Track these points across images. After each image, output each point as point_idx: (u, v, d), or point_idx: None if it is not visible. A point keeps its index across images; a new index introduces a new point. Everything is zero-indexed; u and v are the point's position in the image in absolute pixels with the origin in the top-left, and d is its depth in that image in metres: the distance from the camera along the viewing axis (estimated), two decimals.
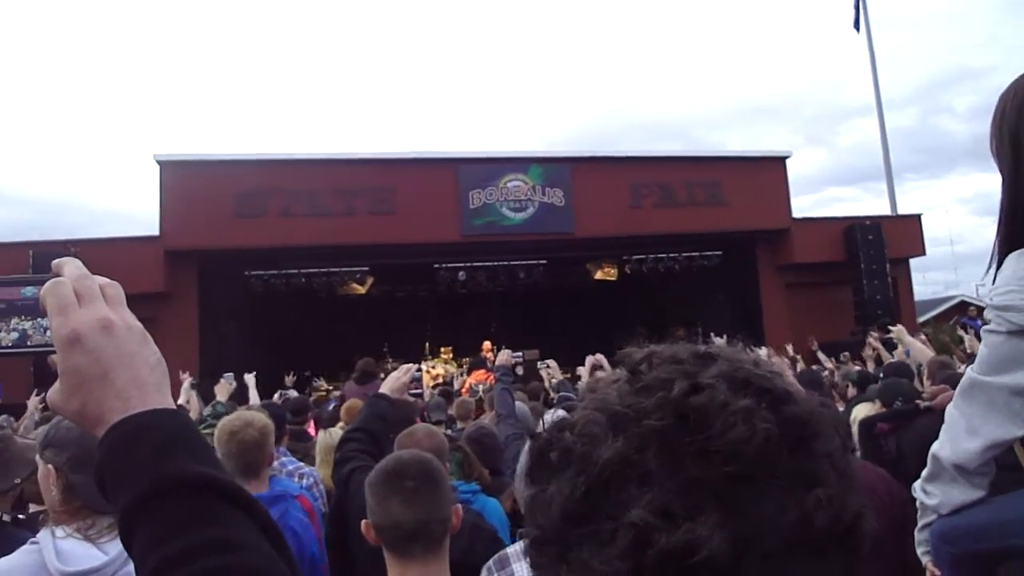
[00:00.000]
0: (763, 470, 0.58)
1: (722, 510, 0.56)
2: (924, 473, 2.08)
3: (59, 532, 2.15)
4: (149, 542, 0.81)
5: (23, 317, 1.06)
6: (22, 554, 2.13)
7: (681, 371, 0.65)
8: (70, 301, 0.91)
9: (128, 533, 0.84)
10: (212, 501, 0.84)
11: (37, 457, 2.37)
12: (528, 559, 0.69)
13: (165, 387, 0.94)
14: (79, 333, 0.89)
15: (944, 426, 2.03)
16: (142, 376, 0.91)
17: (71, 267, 0.95)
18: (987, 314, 1.86)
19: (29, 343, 1.06)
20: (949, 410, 2.00)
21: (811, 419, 0.63)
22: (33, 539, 2.16)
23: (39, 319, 1.04)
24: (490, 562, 2.43)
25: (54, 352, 0.91)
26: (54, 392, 0.91)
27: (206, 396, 7.45)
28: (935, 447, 2.03)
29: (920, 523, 2.21)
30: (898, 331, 6.97)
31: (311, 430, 6.96)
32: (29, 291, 1.05)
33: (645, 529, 0.56)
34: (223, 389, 6.89)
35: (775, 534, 0.57)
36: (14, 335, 1.06)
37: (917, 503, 2.23)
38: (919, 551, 2.23)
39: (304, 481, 4.88)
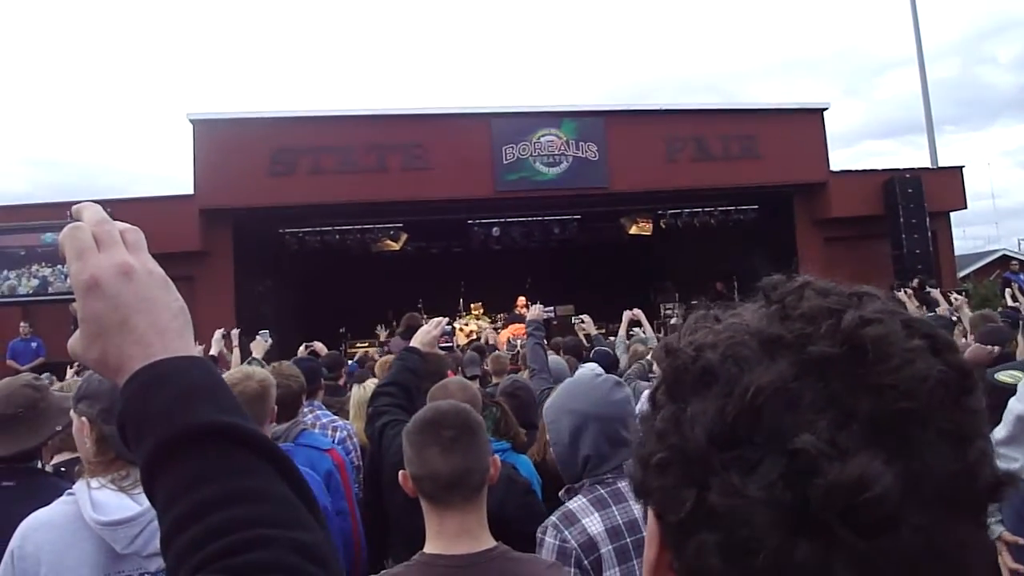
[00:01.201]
0: (932, 413, 0.55)
1: (889, 448, 0.53)
2: (999, 435, 1.95)
3: (94, 483, 2.19)
4: (171, 491, 0.80)
5: (43, 264, 1.03)
6: (60, 504, 2.18)
7: (842, 303, 0.61)
8: (89, 246, 0.88)
9: (150, 482, 0.82)
10: (235, 450, 0.82)
11: (71, 411, 2.40)
12: (632, 482, 0.66)
13: (188, 334, 0.92)
14: (98, 278, 0.87)
15: None
16: (163, 322, 0.88)
17: (90, 212, 0.93)
18: None
19: (50, 290, 1.03)
20: None
21: (972, 372, 0.59)
22: (70, 490, 2.19)
23: (59, 266, 1.01)
24: (554, 519, 2.40)
25: (74, 300, 0.89)
26: (74, 340, 0.89)
27: (243, 352, 7.49)
28: (1017, 408, 1.90)
29: None
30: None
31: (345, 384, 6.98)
32: (49, 237, 1.02)
33: (816, 457, 0.53)
34: (259, 346, 6.92)
35: (938, 481, 0.54)
36: (34, 282, 1.03)
37: None
38: (991, 521, 2.12)
39: (338, 435, 4.91)
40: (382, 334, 17.25)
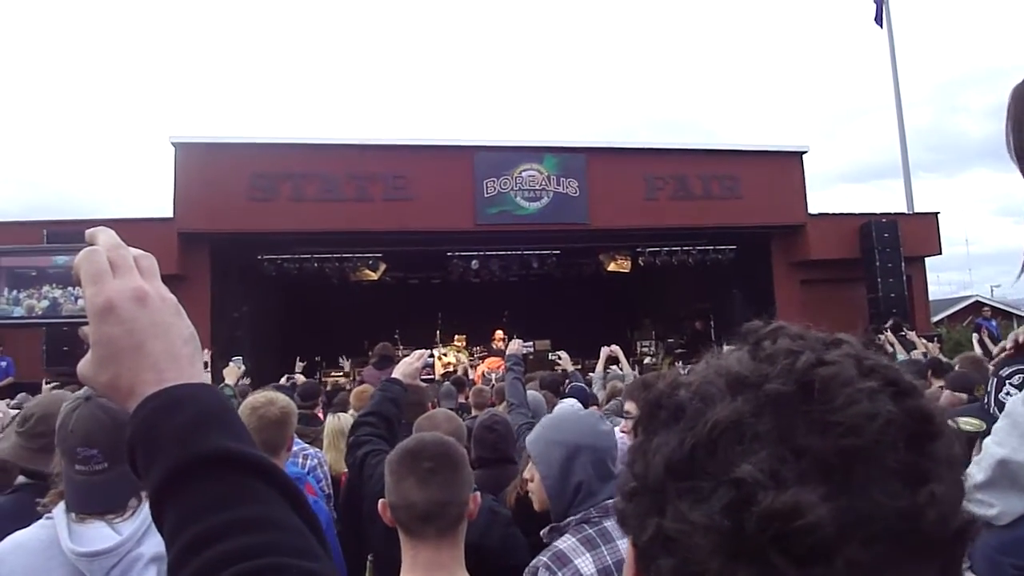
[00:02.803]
0: (878, 452, 0.57)
1: (830, 483, 0.55)
2: (978, 479, 1.94)
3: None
4: (180, 518, 0.80)
5: (54, 285, 1.03)
6: (37, 527, 2.14)
7: (808, 346, 0.64)
8: (105, 270, 0.90)
9: (159, 508, 0.82)
10: (245, 478, 0.83)
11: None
12: (615, 511, 0.70)
13: (198, 361, 0.93)
14: (113, 303, 0.88)
15: (1006, 428, 1.91)
16: (176, 348, 0.90)
17: (105, 236, 0.94)
18: None
19: (62, 312, 1.04)
20: (1017, 410, 1.89)
21: (936, 418, 0.62)
22: (49, 514, 2.16)
23: (70, 288, 1.02)
24: (545, 559, 2.38)
25: (86, 322, 0.90)
26: (85, 363, 0.89)
27: (215, 379, 7.44)
28: (1002, 452, 1.90)
29: None
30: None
31: (320, 415, 6.96)
32: (61, 260, 1.03)
33: (752, 486, 0.55)
34: (231, 372, 6.88)
35: (881, 520, 0.55)
36: (45, 303, 1.04)
37: None
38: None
39: (308, 463, 4.92)
40: (346, 365, 17.24)
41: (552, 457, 2.55)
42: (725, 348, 0.71)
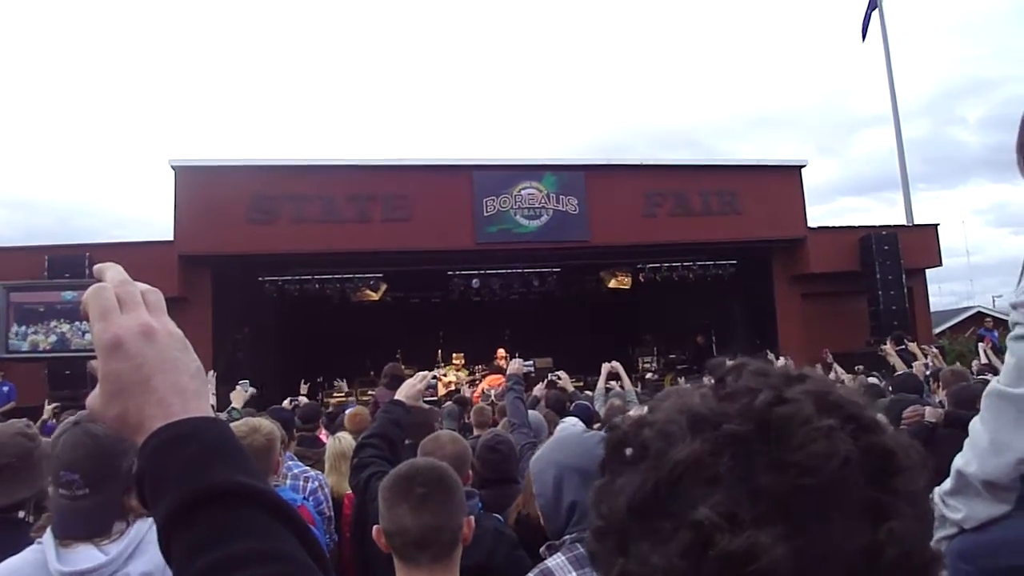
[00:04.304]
0: (837, 491, 0.57)
1: (788, 523, 0.55)
2: (946, 486, 2.02)
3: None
4: (188, 552, 0.81)
5: (62, 320, 1.05)
6: (29, 552, 2.17)
7: (768, 383, 0.64)
8: (112, 306, 0.91)
9: (167, 541, 0.83)
10: (251, 511, 0.84)
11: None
12: (587, 550, 0.69)
13: (205, 395, 0.95)
14: (121, 339, 0.89)
15: (969, 440, 1.97)
16: (183, 383, 0.91)
17: (113, 272, 0.95)
18: (1012, 317, 1.82)
19: (70, 347, 1.05)
20: (975, 423, 1.95)
21: (897, 453, 0.62)
22: (39, 539, 2.17)
23: (77, 323, 1.03)
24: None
25: (94, 356, 0.91)
26: (94, 398, 0.91)
27: (221, 402, 7.44)
28: (959, 462, 1.97)
29: (937, 535, 2.15)
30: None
31: (323, 437, 6.95)
32: (69, 295, 1.04)
33: (708, 529, 0.56)
34: (238, 396, 6.88)
35: (840, 559, 0.55)
36: (53, 338, 1.05)
37: (935, 513, 2.16)
38: None
39: (310, 485, 4.90)
40: (344, 387, 17.23)
41: (546, 477, 2.56)
42: (689, 384, 0.73)
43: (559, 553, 2.43)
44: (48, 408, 7.80)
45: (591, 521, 0.68)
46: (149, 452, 0.86)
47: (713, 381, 0.69)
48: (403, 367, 9.69)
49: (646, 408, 0.72)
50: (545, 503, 2.57)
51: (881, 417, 0.66)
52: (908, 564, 0.57)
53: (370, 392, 14.65)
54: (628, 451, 0.66)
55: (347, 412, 7.09)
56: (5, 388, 13.13)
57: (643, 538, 0.60)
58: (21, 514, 2.65)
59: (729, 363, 0.70)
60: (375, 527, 2.26)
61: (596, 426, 6.00)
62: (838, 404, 0.63)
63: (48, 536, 2.13)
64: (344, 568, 4.74)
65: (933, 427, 4.68)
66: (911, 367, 8.68)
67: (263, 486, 0.87)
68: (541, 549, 2.59)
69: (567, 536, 2.47)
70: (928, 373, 7.94)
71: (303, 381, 12.23)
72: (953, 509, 2.01)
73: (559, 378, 8.70)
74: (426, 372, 4.32)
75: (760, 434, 0.59)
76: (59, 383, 11.62)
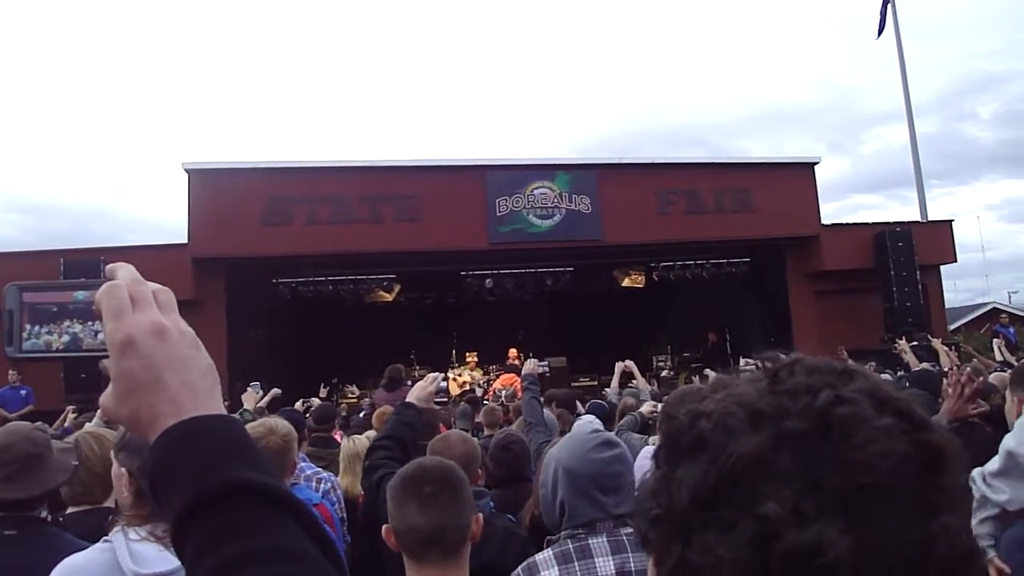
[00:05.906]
0: (894, 487, 0.60)
1: (849, 518, 0.58)
2: (992, 467, 2.03)
3: (132, 534, 2.19)
4: (200, 549, 0.82)
5: (74, 320, 1.05)
6: (95, 551, 2.19)
7: (825, 381, 0.67)
8: (125, 305, 0.92)
9: (179, 539, 0.84)
10: (263, 508, 0.84)
11: (112, 455, 2.45)
12: (638, 535, 0.72)
13: (216, 393, 0.95)
14: (133, 337, 0.90)
15: (1019, 424, 1.97)
16: (194, 381, 0.91)
17: (125, 272, 0.96)
18: None
19: (82, 346, 1.05)
20: None
21: (946, 450, 0.64)
22: (106, 538, 2.20)
23: (90, 323, 1.04)
24: (519, 569, 2.42)
25: (107, 356, 0.92)
26: (107, 396, 0.92)
27: (234, 404, 7.48)
28: (1010, 443, 1.98)
29: (978, 516, 2.14)
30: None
31: (338, 437, 6.97)
32: (81, 295, 1.05)
33: (776, 523, 0.58)
34: (250, 398, 6.92)
35: (896, 551, 0.58)
36: (65, 338, 1.05)
37: (975, 494, 2.16)
38: (984, 544, 2.16)
39: (322, 486, 4.91)
40: (355, 391, 17.28)
41: (547, 473, 2.59)
42: (741, 372, 0.74)
43: (549, 548, 2.47)
44: (71, 417, 7.87)
45: (645, 508, 0.70)
46: (160, 451, 0.87)
47: (767, 376, 0.70)
48: (408, 368, 9.73)
49: (658, 404, 0.74)
50: (544, 499, 2.61)
51: (927, 412, 0.68)
52: (956, 556, 0.60)
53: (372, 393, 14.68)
54: (686, 441, 0.68)
55: (375, 412, 7.10)
56: (23, 391, 13.22)
57: (707, 528, 0.62)
58: (44, 514, 2.69)
59: (782, 359, 0.72)
60: (384, 526, 2.28)
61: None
62: (889, 401, 0.65)
63: (118, 536, 2.17)
64: (355, 567, 4.76)
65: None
66: (932, 363, 8.63)
67: (276, 483, 0.87)
68: (544, 543, 2.62)
69: (562, 532, 2.50)
70: (947, 370, 7.88)
71: (323, 384, 12.25)
72: (997, 491, 2.02)
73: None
74: (436, 374, 4.33)
75: (822, 432, 0.62)
76: (76, 387, 11.68)
